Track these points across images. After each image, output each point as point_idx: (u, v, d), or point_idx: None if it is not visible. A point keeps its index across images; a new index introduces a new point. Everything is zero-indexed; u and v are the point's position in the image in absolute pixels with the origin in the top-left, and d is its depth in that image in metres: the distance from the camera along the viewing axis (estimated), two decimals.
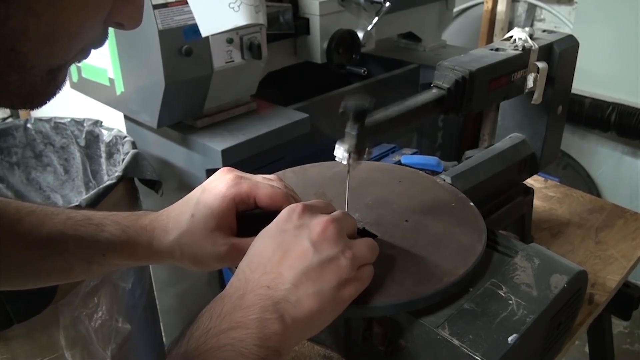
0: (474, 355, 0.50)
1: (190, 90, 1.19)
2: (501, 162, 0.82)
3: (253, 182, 0.58)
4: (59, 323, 1.01)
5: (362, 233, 0.61)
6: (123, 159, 1.18)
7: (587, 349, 1.16)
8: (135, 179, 1.21)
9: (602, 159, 2.12)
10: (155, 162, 1.39)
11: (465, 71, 0.65)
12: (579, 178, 2.15)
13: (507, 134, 0.89)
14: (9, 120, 2.15)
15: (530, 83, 0.76)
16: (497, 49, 0.73)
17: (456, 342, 0.51)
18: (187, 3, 1.10)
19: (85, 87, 1.41)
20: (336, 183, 0.71)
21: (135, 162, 1.17)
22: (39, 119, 1.43)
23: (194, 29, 1.10)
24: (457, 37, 2.38)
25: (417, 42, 1.89)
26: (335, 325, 0.51)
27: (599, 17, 1.87)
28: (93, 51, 0.39)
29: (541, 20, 2.30)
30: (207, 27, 1.10)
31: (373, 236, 0.61)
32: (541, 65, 0.75)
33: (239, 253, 0.52)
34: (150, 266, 1.36)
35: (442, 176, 0.76)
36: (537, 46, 0.74)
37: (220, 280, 1.34)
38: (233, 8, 1.09)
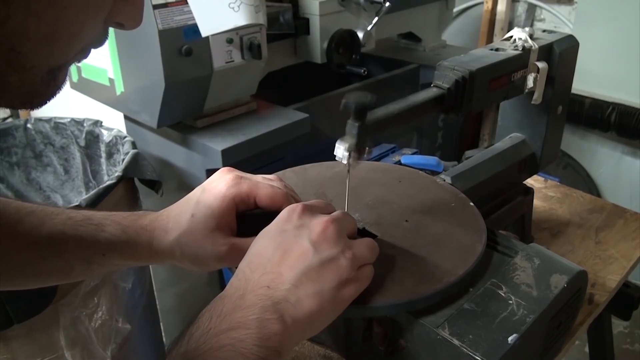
0: (474, 355, 0.50)
1: (190, 90, 1.19)
2: (501, 162, 0.82)
3: (253, 182, 0.58)
4: (59, 323, 1.01)
5: (362, 233, 0.61)
6: (123, 159, 1.18)
7: (587, 349, 1.16)
8: (135, 179, 1.21)
9: (602, 159, 2.12)
10: (155, 162, 1.39)
11: (465, 71, 0.65)
12: (579, 178, 2.15)
13: (507, 134, 0.89)
14: (9, 120, 2.15)
15: (530, 83, 0.76)
16: (497, 49, 0.73)
17: (456, 342, 0.51)
18: (187, 3, 1.10)
19: (85, 87, 1.41)
20: (336, 183, 0.71)
21: (135, 162, 1.17)
22: (39, 119, 1.43)
23: (194, 29, 1.10)
24: (457, 37, 2.38)
25: (417, 42, 1.89)
26: (335, 325, 0.51)
27: (599, 17, 1.87)
28: (93, 51, 0.39)
29: (541, 20, 2.30)
30: (207, 27, 1.10)
31: (373, 236, 0.61)
32: (541, 65, 0.75)
33: (239, 253, 0.52)
34: (150, 266, 1.36)
35: (442, 176, 0.76)
36: (537, 46, 0.74)
37: (220, 280, 1.34)
38: (233, 8, 1.09)
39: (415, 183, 0.73)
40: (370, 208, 0.67)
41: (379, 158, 1.04)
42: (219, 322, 0.43)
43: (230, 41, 1.17)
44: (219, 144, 1.18)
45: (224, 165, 0.74)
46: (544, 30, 0.81)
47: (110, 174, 1.36)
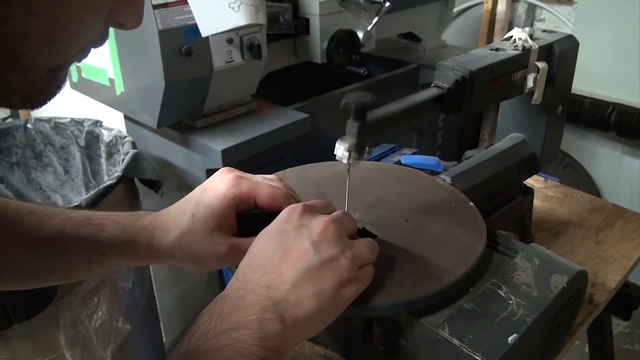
0: (474, 355, 0.50)
1: (190, 90, 1.19)
2: (501, 162, 0.82)
3: (253, 182, 0.58)
4: (59, 323, 1.01)
5: (362, 233, 0.61)
6: (123, 159, 1.18)
7: (587, 349, 1.16)
8: (135, 179, 1.21)
9: (602, 159, 2.12)
10: (155, 162, 1.39)
11: (465, 71, 0.65)
12: (579, 178, 2.15)
13: (507, 134, 0.89)
14: (9, 120, 2.15)
15: (530, 83, 0.76)
16: (497, 49, 0.73)
17: (456, 342, 0.51)
18: (187, 3, 1.10)
19: (85, 87, 1.41)
20: (336, 183, 0.71)
21: (135, 162, 1.17)
22: (39, 119, 1.43)
23: (194, 29, 1.10)
24: (457, 37, 2.38)
25: (417, 42, 1.89)
26: (335, 325, 0.51)
27: (599, 17, 1.87)
28: (93, 51, 0.39)
29: (541, 20, 2.30)
30: (207, 27, 1.10)
31: (373, 236, 0.61)
32: (541, 65, 0.75)
33: (239, 253, 0.52)
34: (150, 266, 1.36)
35: (442, 176, 0.76)
36: (537, 46, 0.74)
37: (220, 280, 1.34)
38: (233, 8, 1.09)
39: (415, 183, 0.73)
40: (370, 208, 0.67)
41: (379, 158, 1.04)
42: (219, 322, 0.43)
43: (230, 41, 1.17)
44: (219, 144, 1.18)
45: (224, 165, 0.74)
46: (544, 30, 0.81)
47: (110, 174, 1.36)
